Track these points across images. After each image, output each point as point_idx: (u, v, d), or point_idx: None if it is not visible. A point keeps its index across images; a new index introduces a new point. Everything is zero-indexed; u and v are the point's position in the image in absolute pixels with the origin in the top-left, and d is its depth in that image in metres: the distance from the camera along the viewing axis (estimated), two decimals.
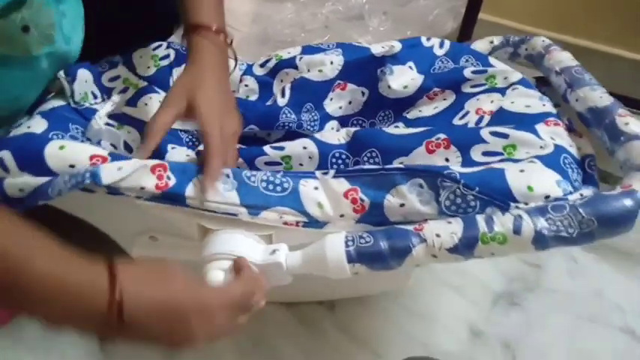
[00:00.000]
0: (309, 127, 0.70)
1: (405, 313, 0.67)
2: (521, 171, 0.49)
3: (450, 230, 0.46)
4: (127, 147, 0.65)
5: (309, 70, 0.70)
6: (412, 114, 0.69)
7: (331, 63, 0.69)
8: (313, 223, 0.52)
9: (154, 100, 0.71)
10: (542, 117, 0.58)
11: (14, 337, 0.65)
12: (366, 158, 0.60)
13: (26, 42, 0.49)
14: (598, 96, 0.56)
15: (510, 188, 0.48)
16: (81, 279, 0.39)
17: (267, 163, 0.62)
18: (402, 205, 0.50)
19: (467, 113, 0.64)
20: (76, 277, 0.39)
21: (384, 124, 0.71)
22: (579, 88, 0.59)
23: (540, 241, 0.45)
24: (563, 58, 0.65)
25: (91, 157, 0.53)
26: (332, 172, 0.53)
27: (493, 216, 0.46)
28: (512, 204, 0.48)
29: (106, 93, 0.68)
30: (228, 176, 0.52)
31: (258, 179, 0.52)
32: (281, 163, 0.62)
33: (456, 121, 0.64)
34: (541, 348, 0.67)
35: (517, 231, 0.45)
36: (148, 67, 0.73)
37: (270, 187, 0.52)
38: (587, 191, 0.49)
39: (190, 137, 0.71)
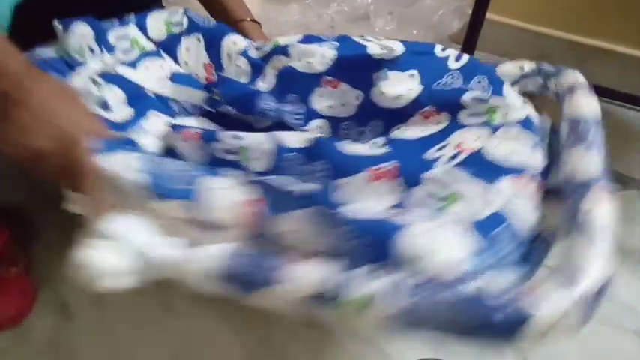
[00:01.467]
0: (292, 120, 0.66)
1: None
2: (426, 232, 0.42)
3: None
4: (106, 107, 0.66)
5: (299, 60, 0.65)
6: (396, 133, 0.62)
7: (322, 56, 0.63)
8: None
9: (156, 65, 0.72)
10: (517, 171, 0.49)
11: (23, 339, 0.65)
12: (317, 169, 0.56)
13: None
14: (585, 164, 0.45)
15: (396, 250, 0.41)
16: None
17: (224, 151, 0.61)
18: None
19: (445, 146, 0.56)
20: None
21: (372, 137, 0.65)
22: (571, 148, 0.48)
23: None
24: (582, 104, 0.53)
25: None
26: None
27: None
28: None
29: (109, 50, 0.70)
30: None
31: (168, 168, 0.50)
32: (238, 153, 0.60)
33: (433, 153, 0.56)
34: (553, 351, 0.65)
35: None
36: (160, 31, 0.74)
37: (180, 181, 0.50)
38: (508, 276, 0.41)
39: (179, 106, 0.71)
